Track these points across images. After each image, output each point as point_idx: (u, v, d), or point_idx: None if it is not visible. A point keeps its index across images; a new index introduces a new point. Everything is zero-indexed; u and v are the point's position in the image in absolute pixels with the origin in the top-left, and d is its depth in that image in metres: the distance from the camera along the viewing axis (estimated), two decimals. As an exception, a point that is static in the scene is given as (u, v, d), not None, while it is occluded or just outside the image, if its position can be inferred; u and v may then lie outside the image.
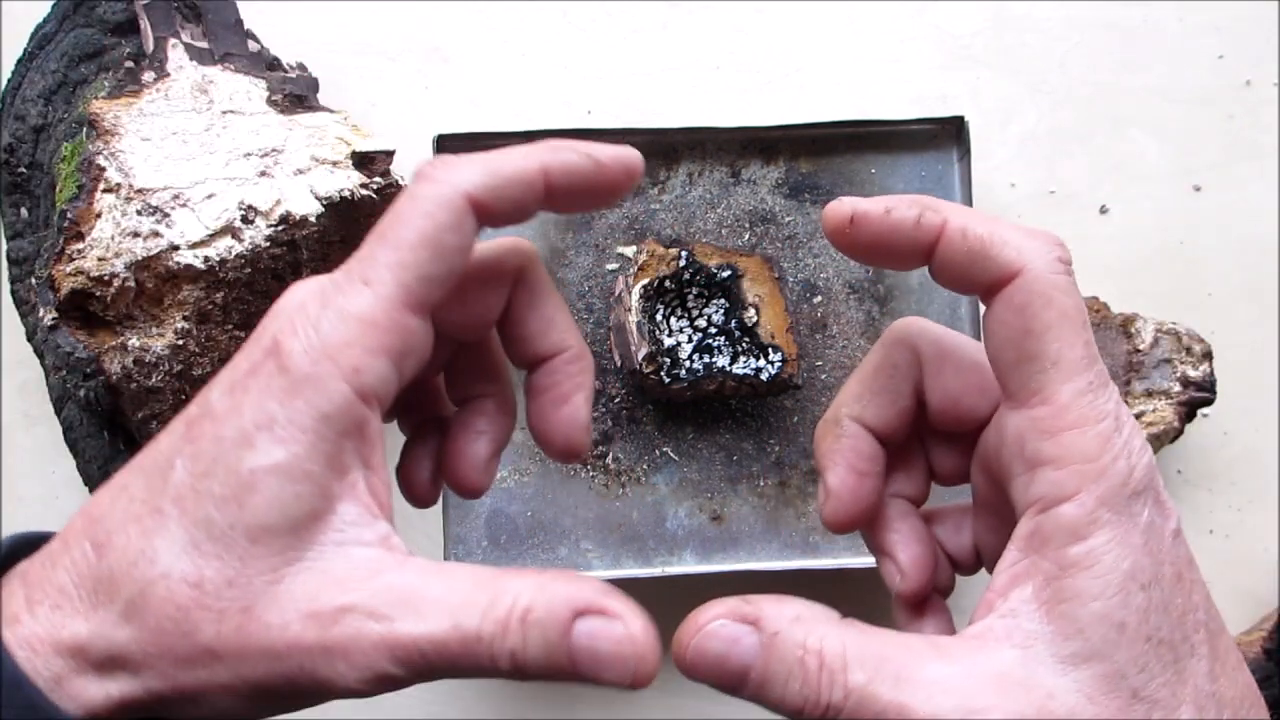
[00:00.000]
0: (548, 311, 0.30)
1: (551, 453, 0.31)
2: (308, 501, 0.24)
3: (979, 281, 0.27)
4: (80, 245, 0.46)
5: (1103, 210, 0.57)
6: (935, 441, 0.32)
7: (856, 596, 0.54)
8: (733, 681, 0.25)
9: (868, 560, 0.49)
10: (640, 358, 0.49)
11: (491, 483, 0.31)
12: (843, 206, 0.28)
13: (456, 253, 0.26)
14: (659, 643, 0.24)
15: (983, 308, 0.28)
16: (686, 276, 0.51)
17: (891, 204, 0.27)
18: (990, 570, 0.30)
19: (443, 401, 0.33)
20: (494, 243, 0.30)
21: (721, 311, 0.51)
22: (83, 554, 0.25)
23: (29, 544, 0.27)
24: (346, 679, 0.24)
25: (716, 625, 0.25)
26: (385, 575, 0.24)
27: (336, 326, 0.25)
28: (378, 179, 0.49)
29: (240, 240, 0.46)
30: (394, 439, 0.30)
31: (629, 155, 0.28)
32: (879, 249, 0.28)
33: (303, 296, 0.26)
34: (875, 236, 0.28)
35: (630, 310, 0.50)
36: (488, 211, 0.27)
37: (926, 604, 0.32)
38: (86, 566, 0.25)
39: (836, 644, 0.25)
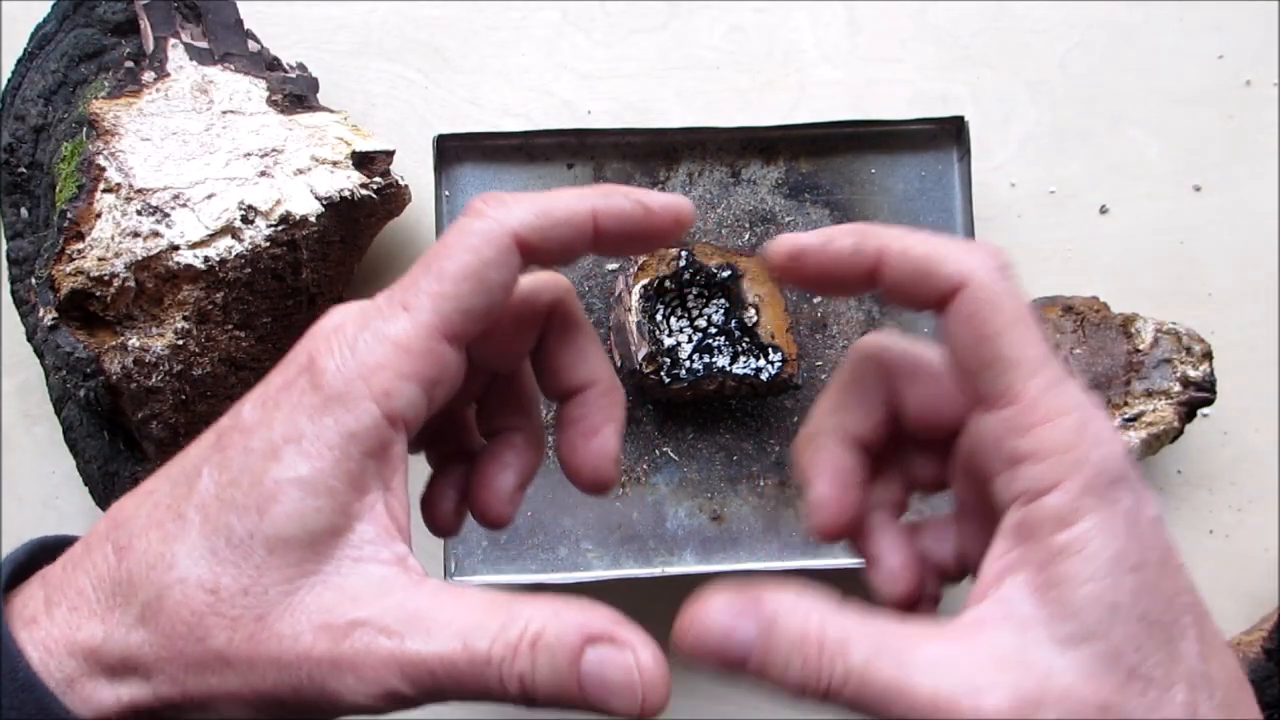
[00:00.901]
0: (580, 344, 0.31)
1: (580, 484, 0.31)
2: (327, 516, 0.25)
3: (927, 298, 0.27)
4: (80, 245, 0.46)
5: (1103, 210, 0.57)
6: (912, 451, 0.33)
7: (856, 597, 0.54)
8: (734, 664, 0.25)
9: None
10: (640, 358, 0.49)
11: (515, 515, 0.32)
12: (783, 244, 0.29)
13: (499, 289, 0.27)
14: (669, 673, 0.24)
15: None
16: (686, 276, 0.51)
17: (830, 235, 0.28)
18: (975, 573, 0.31)
19: (471, 434, 0.33)
20: (529, 276, 0.30)
21: (721, 311, 0.51)
22: (104, 557, 0.25)
23: (55, 547, 0.27)
24: (355, 693, 0.24)
25: (717, 609, 0.25)
26: (399, 593, 0.24)
27: (372, 348, 0.25)
28: (378, 179, 0.49)
29: (240, 240, 0.46)
30: (418, 468, 0.30)
31: (679, 204, 0.29)
32: (823, 279, 0.29)
33: (341, 318, 0.26)
34: (818, 267, 0.28)
35: (630, 310, 0.50)
36: (534, 251, 0.27)
37: (916, 611, 0.32)
38: (106, 569, 0.25)
39: (837, 626, 0.25)
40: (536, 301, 0.30)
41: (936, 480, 0.33)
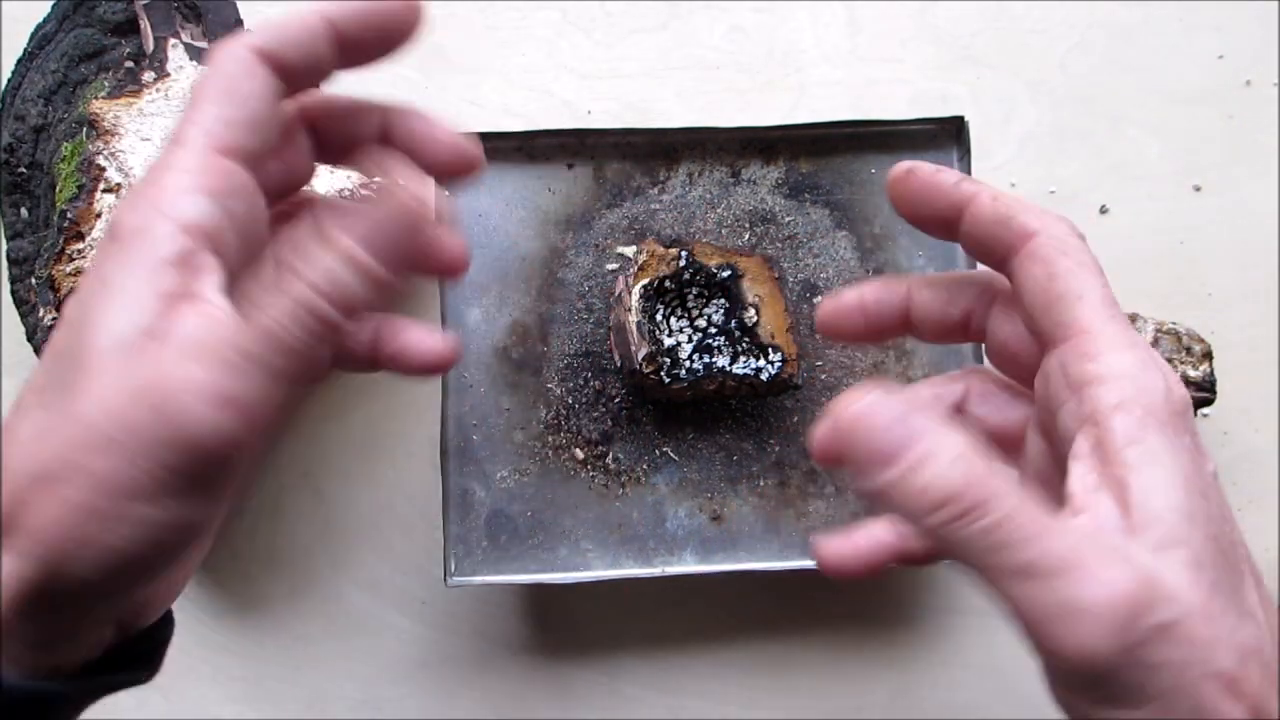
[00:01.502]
0: (344, 106, 0.33)
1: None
2: (140, 320, 0.26)
3: (1002, 240, 0.30)
4: (80, 245, 0.46)
5: (1103, 210, 0.57)
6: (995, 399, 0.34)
7: (856, 597, 0.54)
8: (885, 456, 0.25)
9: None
10: (640, 358, 0.49)
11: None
12: (903, 163, 0.32)
13: (256, 99, 0.28)
14: None
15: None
16: (686, 276, 0.51)
17: (941, 168, 0.32)
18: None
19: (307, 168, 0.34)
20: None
21: (721, 311, 0.51)
22: None
23: None
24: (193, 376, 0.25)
25: (886, 401, 0.26)
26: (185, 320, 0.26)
27: (155, 183, 0.27)
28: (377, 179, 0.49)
29: (240, 240, 0.46)
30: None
31: None
32: (925, 201, 0.32)
33: (135, 180, 0.28)
34: (923, 186, 0.32)
35: (630, 310, 0.50)
36: (279, 61, 0.29)
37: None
38: None
39: (1004, 471, 0.25)
40: (287, 112, 0.31)
41: (1017, 432, 0.33)
